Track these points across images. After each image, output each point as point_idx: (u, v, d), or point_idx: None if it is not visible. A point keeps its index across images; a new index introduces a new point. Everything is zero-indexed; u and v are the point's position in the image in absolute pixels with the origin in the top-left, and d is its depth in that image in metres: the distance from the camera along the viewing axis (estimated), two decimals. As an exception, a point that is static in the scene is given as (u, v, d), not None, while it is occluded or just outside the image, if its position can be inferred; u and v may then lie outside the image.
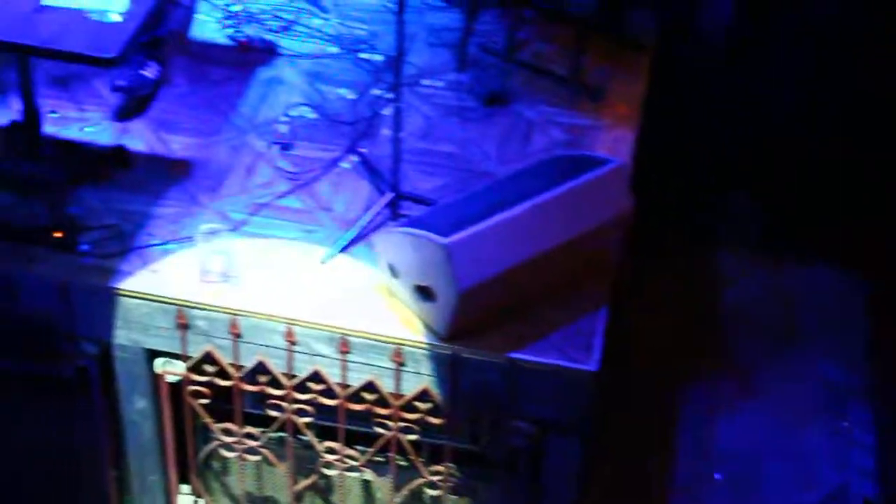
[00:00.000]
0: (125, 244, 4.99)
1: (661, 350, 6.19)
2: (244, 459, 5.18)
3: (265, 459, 5.18)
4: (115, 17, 4.48)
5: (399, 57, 4.91)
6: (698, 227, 6.74)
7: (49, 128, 5.27)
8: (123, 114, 5.54)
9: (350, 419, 4.95)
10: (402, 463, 5.02)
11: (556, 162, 5.12)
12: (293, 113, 5.60)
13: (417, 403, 4.82)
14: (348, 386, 4.85)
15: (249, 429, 5.10)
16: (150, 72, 5.59)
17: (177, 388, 5.05)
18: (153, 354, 4.99)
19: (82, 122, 5.49)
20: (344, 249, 4.99)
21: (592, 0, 5.98)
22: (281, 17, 6.08)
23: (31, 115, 5.02)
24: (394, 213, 5.09)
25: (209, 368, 4.93)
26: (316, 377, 4.85)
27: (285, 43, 5.97)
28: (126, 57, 4.52)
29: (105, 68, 4.65)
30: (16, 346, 5.03)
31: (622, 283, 5.15)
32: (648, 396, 6.04)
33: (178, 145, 5.44)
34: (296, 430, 5.02)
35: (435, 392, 4.79)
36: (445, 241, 4.50)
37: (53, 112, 5.46)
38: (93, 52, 4.39)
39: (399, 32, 4.84)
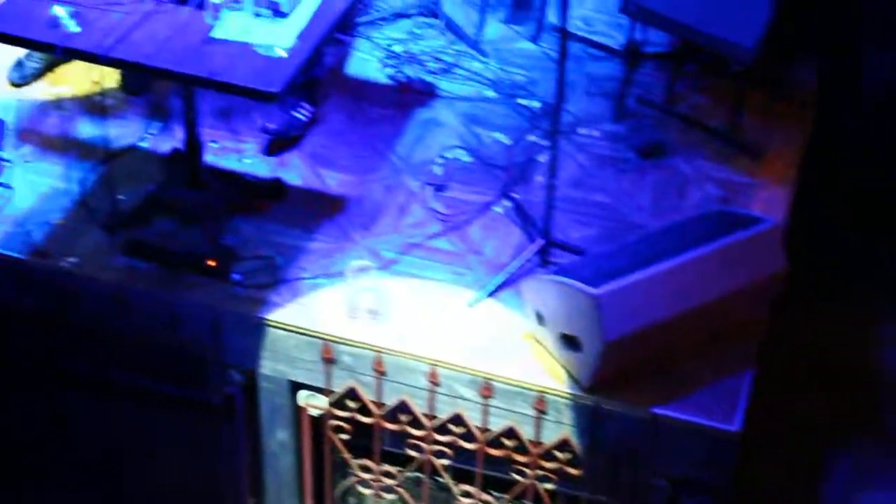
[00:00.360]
0: (276, 276, 5.05)
1: (808, 411, 6.08)
2: (380, 497, 5.20)
3: (401, 499, 5.20)
4: (281, 53, 4.54)
5: (557, 104, 4.91)
6: (852, 287, 6.62)
7: (209, 157, 5.36)
8: (272, 150, 5.62)
9: (488, 464, 4.94)
10: (538, 511, 5.01)
11: (710, 218, 5.08)
12: (448, 155, 5.63)
13: (557, 453, 4.80)
14: (488, 430, 4.84)
15: (387, 467, 5.13)
16: (301, 114, 5.66)
17: (318, 422, 5.09)
18: (297, 387, 5.04)
19: (241, 154, 5.58)
20: (492, 294, 5.00)
21: (753, 55, 5.91)
22: (441, 60, 6.12)
23: (193, 145, 5.12)
24: (543, 260, 5.09)
25: (351, 404, 4.96)
26: (457, 420, 4.86)
27: (444, 85, 6.00)
28: (288, 92, 4.58)
29: (268, 102, 4.72)
30: (169, 370, 5.11)
31: (773, 341, 5.07)
32: (792, 458, 5.94)
33: (333, 181, 5.50)
34: (433, 472, 5.03)
35: (575, 442, 4.76)
36: (595, 291, 4.48)
37: (214, 142, 5.56)
38: (257, 86, 4.45)
39: (559, 80, 4.84)
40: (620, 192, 5.51)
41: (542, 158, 5.56)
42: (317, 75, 5.73)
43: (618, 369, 4.64)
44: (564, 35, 4.77)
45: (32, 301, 5.19)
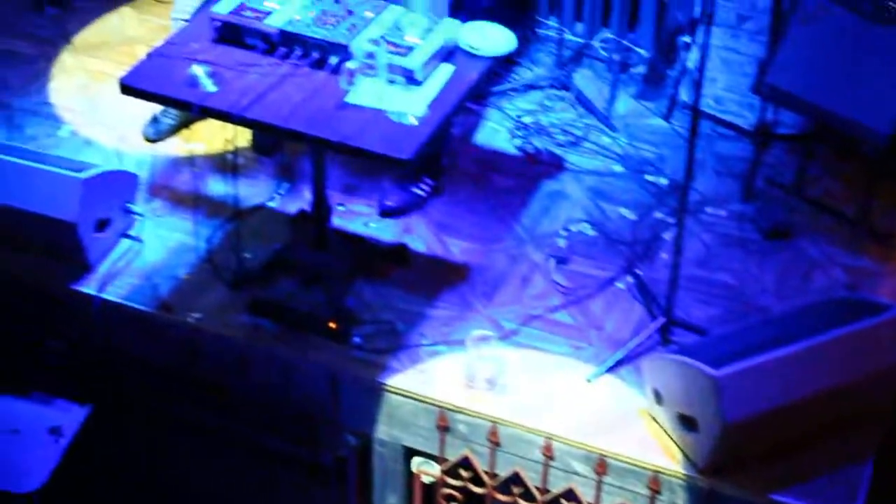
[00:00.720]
0: (396, 341, 5.07)
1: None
2: (489, 568, 5.17)
3: (510, 571, 5.17)
4: (412, 121, 4.57)
5: (685, 182, 4.89)
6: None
7: (336, 220, 5.40)
8: (387, 215, 5.68)
9: (598, 542, 4.90)
10: (648, 593, 4.94)
11: (836, 303, 5.01)
12: (573, 228, 5.63)
13: (669, 534, 4.75)
14: (601, 507, 4.81)
15: (497, 538, 5.10)
16: (422, 189, 5.69)
17: (430, 489, 5.08)
18: (411, 453, 5.04)
19: (368, 218, 5.63)
20: (610, 370, 4.97)
21: (888, 140, 5.84)
22: (570, 133, 6.13)
23: (320, 207, 5.16)
24: (664, 338, 5.05)
25: (464, 473, 4.95)
26: (569, 495, 4.82)
27: (572, 158, 6.01)
28: (418, 160, 4.60)
29: (398, 168, 4.76)
30: (285, 427, 5.14)
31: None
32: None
33: (457, 249, 5.51)
34: (543, 546, 4.99)
35: (688, 525, 4.71)
36: (715, 372, 4.43)
37: (341, 205, 5.61)
38: (388, 152, 4.48)
39: (688, 158, 4.82)
40: (745, 273, 5.46)
41: (668, 236, 5.54)
42: (445, 146, 5.77)
43: (735, 452, 4.58)
44: (696, 114, 4.75)
45: (155, 352, 5.26)
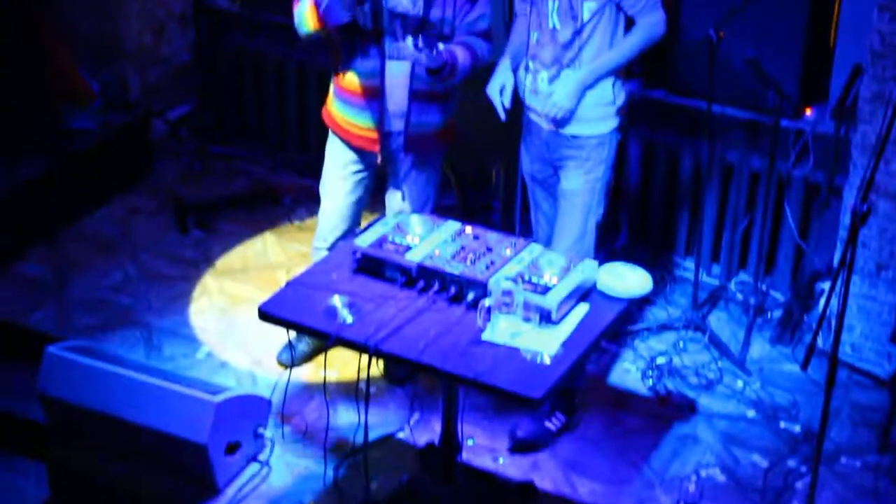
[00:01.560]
0: (521, 581, 5.01)
1: None
2: None
3: None
4: (546, 360, 4.57)
5: (821, 431, 4.81)
6: None
7: (464, 454, 5.38)
8: (517, 448, 5.64)
9: None
10: None
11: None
12: (703, 473, 5.54)
13: None
14: None
15: None
16: (553, 424, 5.67)
17: None
18: None
19: (496, 453, 5.60)
20: None
21: None
22: (703, 375, 6.09)
23: (449, 441, 5.14)
24: (795, 592, 4.93)
25: None
26: None
27: (704, 401, 5.95)
28: (548, 399, 4.58)
29: (528, 407, 4.74)
30: None
31: None
32: None
33: (584, 489, 5.45)
34: None
35: None
36: None
37: (471, 439, 5.59)
38: (519, 391, 4.45)
39: (824, 406, 4.75)
40: (880, 526, 5.34)
41: (800, 485, 5.44)
42: (577, 384, 5.75)
43: None
44: (834, 362, 4.69)
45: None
